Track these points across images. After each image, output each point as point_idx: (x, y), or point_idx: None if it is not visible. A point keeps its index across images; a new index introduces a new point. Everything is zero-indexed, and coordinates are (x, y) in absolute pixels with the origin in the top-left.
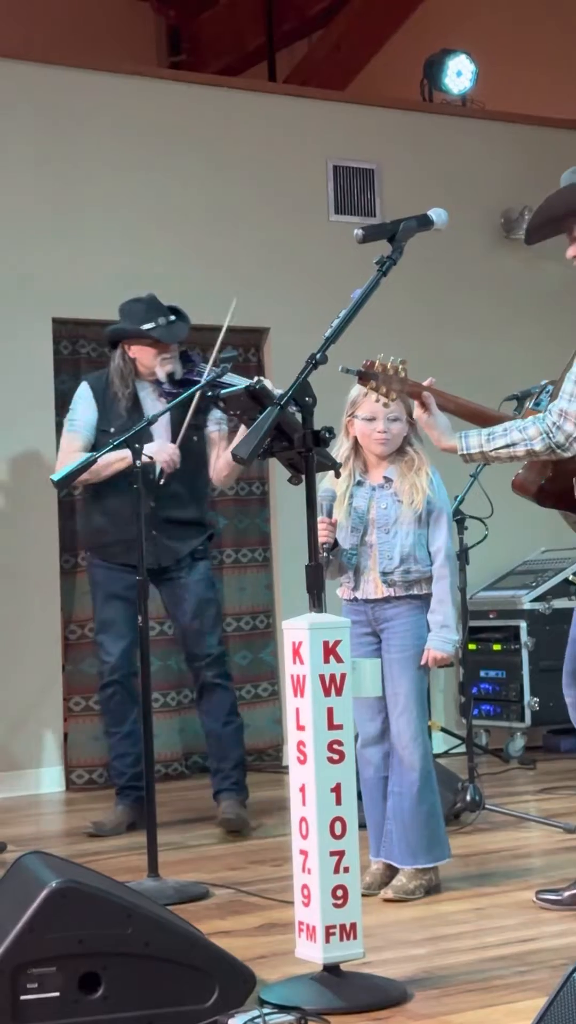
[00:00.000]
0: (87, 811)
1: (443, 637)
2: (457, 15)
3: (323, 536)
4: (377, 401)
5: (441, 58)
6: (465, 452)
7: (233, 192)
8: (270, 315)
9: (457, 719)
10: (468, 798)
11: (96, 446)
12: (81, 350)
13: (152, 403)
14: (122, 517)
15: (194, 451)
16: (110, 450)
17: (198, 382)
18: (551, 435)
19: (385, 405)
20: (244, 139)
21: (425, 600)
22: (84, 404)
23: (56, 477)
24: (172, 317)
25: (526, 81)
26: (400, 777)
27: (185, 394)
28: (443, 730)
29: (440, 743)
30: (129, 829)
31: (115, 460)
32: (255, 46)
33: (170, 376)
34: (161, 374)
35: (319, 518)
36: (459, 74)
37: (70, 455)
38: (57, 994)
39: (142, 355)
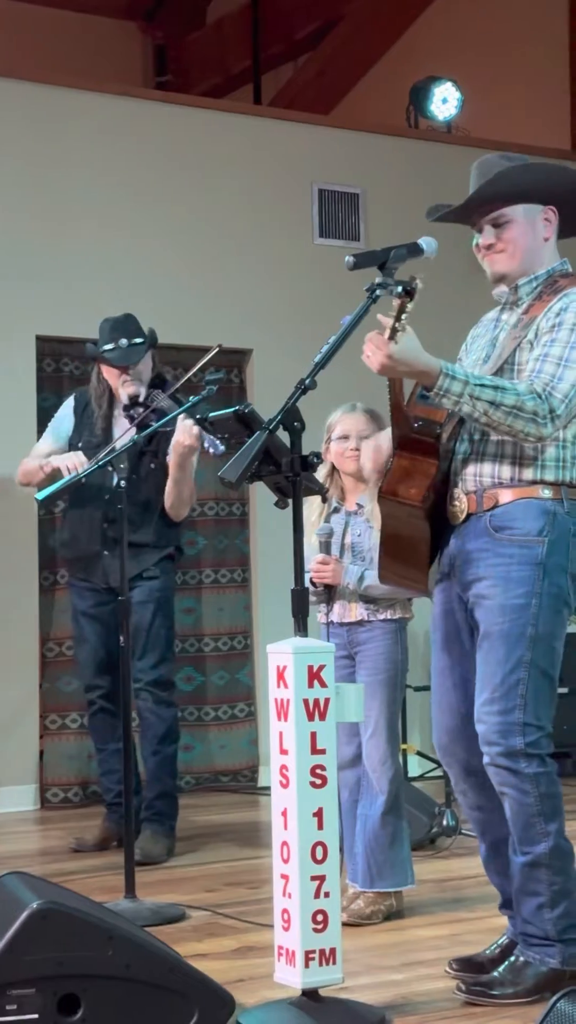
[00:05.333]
0: (62, 830)
1: (351, 570)
2: (443, 42)
3: (327, 578)
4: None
5: (427, 85)
6: (448, 373)
7: (218, 214)
8: (253, 337)
9: (432, 743)
10: (444, 823)
11: None
12: (64, 368)
13: (123, 425)
14: (81, 535)
15: (150, 477)
16: (96, 468)
17: (161, 408)
18: (540, 399)
19: (391, 334)
20: (230, 161)
21: (398, 624)
22: (64, 414)
23: (40, 496)
24: (138, 340)
25: (511, 109)
26: (368, 800)
27: (157, 425)
28: (419, 754)
29: (415, 767)
30: (119, 846)
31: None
32: (241, 68)
33: (133, 398)
34: (123, 396)
35: (321, 556)
36: (445, 101)
37: (33, 457)
38: (36, 1016)
39: (109, 376)
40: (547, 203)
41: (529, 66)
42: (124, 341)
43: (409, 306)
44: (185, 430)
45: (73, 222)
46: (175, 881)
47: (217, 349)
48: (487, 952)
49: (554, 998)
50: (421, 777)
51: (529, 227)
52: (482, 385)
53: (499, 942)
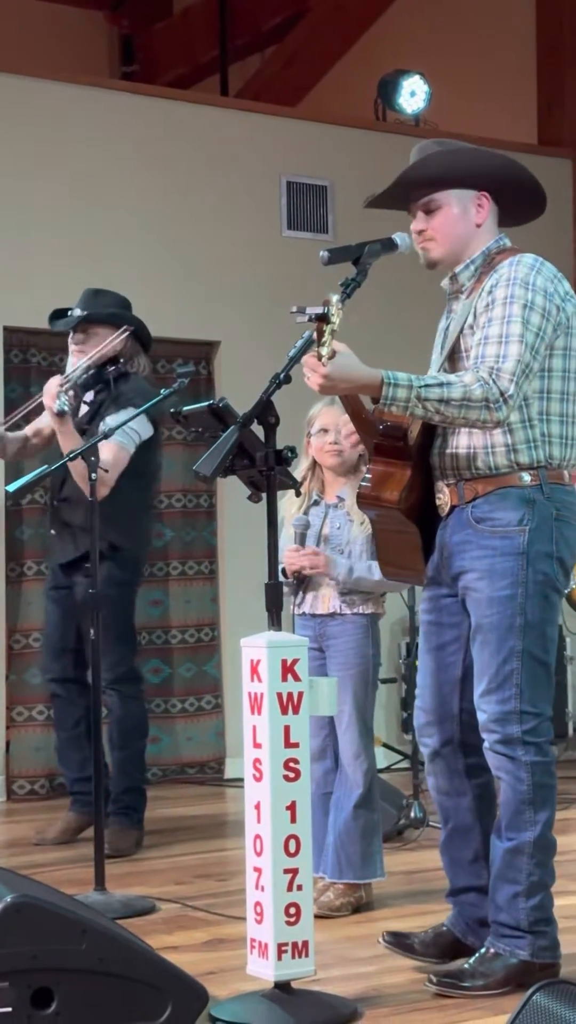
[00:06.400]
0: (28, 822)
1: (340, 563)
2: (411, 35)
3: (313, 567)
4: (320, 355)
5: (395, 78)
6: (390, 382)
7: (185, 205)
8: (221, 329)
9: (399, 735)
10: (412, 815)
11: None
12: (32, 359)
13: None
14: (48, 514)
15: None
16: (63, 463)
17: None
18: (488, 384)
19: (319, 358)
20: (197, 153)
21: (370, 618)
22: None
23: (10, 488)
24: (78, 312)
25: (479, 103)
26: (342, 792)
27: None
28: (385, 745)
29: (382, 759)
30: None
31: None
32: (208, 59)
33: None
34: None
35: (294, 546)
36: (413, 94)
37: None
38: (9, 1009)
39: None
40: (480, 189)
41: (497, 60)
42: (78, 311)
43: (328, 328)
44: (47, 391)
45: (39, 212)
46: (144, 874)
47: (126, 331)
48: (422, 933)
49: (530, 991)
50: (388, 769)
51: (460, 213)
52: (427, 385)
53: (435, 926)
